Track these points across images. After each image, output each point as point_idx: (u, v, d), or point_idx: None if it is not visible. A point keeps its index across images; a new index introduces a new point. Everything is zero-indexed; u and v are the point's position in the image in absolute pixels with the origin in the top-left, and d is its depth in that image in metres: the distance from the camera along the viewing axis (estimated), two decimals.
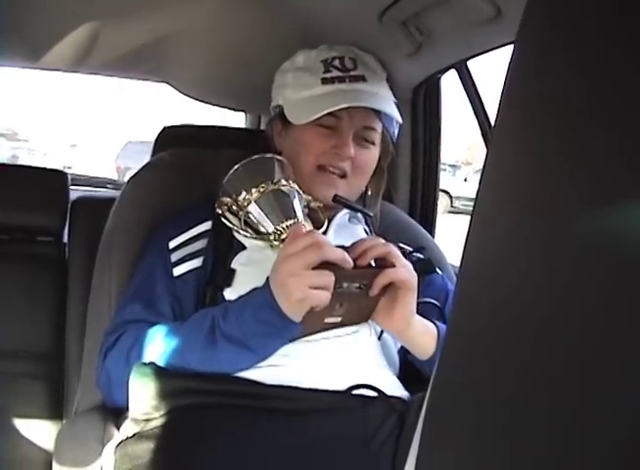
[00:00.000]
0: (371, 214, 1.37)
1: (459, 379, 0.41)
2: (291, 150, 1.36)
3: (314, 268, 1.01)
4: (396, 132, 1.42)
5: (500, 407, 0.37)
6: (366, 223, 1.42)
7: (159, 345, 1.10)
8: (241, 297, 1.11)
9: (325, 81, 1.33)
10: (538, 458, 0.34)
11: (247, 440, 1.02)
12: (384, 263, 1.09)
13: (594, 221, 0.32)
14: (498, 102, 0.39)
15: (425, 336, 1.15)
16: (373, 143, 1.35)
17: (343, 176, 1.31)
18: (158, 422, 1.03)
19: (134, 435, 1.05)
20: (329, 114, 1.27)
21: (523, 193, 0.37)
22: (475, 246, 0.40)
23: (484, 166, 0.40)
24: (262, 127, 2.72)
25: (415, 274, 1.12)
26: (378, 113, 1.32)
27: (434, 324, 1.17)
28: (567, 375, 0.33)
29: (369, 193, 1.45)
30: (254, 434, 1.03)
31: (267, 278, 1.06)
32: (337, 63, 1.36)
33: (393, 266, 1.09)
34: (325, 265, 1.02)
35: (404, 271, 1.09)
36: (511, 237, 0.37)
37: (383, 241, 1.12)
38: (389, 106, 1.34)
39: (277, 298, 1.03)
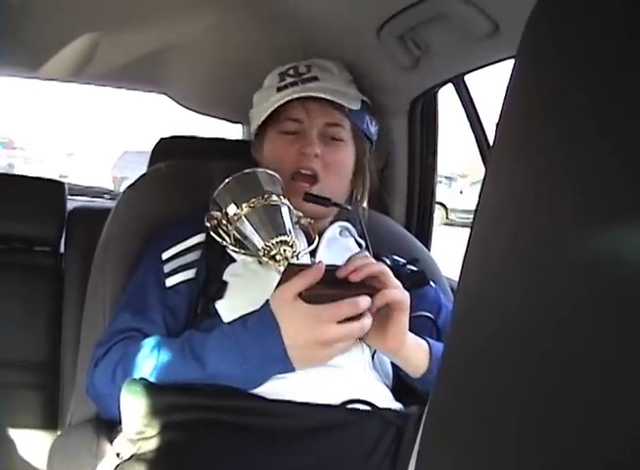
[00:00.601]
0: (348, 208, 1.35)
1: (459, 397, 0.41)
2: (265, 162, 1.37)
3: (305, 293, 1.01)
4: (374, 129, 1.42)
5: (503, 424, 0.37)
6: (360, 236, 1.42)
7: (147, 361, 1.09)
8: (238, 322, 1.08)
9: (279, 89, 1.36)
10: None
11: (244, 461, 1.01)
12: (375, 284, 1.07)
13: (594, 240, 0.32)
14: (498, 117, 0.39)
15: (418, 353, 1.14)
16: (341, 140, 1.36)
17: (315, 181, 1.31)
18: (153, 442, 1.02)
19: (131, 457, 1.03)
20: (290, 119, 1.32)
21: (522, 209, 0.37)
22: (474, 263, 0.40)
23: (484, 182, 0.40)
24: None
25: (407, 294, 1.10)
26: (341, 109, 1.33)
27: (427, 341, 1.16)
28: (571, 391, 0.33)
29: (355, 194, 1.44)
30: (252, 454, 1.01)
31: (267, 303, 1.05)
32: (291, 71, 1.39)
33: (385, 287, 1.07)
34: (315, 287, 1.01)
35: (398, 292, 1.08)
36: (511, 254, 0.37)
37: (374, 261, 1.10)
38: (344, 97, 1.35)
39: (295, 359, 1.03)
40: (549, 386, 0.34)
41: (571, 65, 0.35)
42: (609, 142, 0.32)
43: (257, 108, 1.42)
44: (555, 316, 0.34)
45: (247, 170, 1.18)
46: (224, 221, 1.16)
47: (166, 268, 1.24)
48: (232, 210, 1.14)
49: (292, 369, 1.03)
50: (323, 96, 1.31)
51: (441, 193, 12.66)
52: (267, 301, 1.05)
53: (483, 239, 0.40)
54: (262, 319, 1.03)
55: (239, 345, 1.04)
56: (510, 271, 0.37)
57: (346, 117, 1.35)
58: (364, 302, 1.02)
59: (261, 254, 1.12)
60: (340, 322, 1.01)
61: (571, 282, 0.33)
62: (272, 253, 1.11)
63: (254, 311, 1.06)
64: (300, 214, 1.24)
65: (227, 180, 1.16)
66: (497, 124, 0.39)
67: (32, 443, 1.71)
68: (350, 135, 1.38)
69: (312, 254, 1.27)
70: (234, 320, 1.08)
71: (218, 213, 1.17)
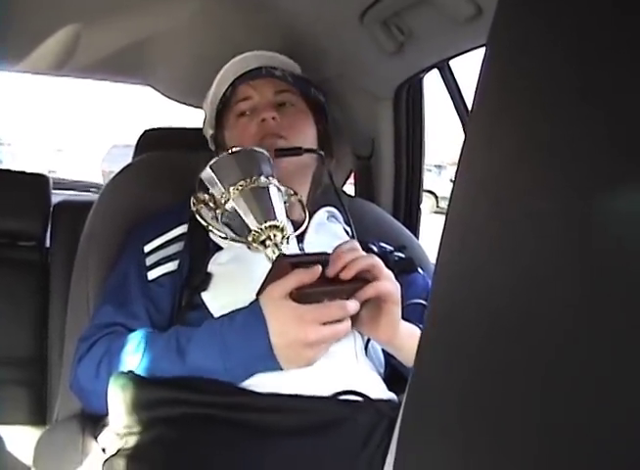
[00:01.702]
0: (321, 153, 1.34)
1: (438, 378, 0.40)
2: (234, 142, 1.37)
3: (295, 291, 1.00)
4: (322, 98, 1.46)
5: (482, 405, 0.36)
6: (346, 223, 1.40)
7: (131, 356, 1.08)
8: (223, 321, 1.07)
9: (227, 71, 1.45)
10: (525, 458, 0.33)
11: (232, 455, 0.99)
12: (367, 276, 1.05)
13: (576, 212, 0.31)
14: (473, 93, 0.38)
15: (411, 341, 1.13)
16: (292, 104, 1.39)
17: (281, 137, 1.31)
18: (140, 437, 1.00)
19: (118, 451, 1.01)
20: (240, 100, 1.38)
21: (497, 185, 0.36)
22: (450, 242, 0.40)
23: (459, 160, 0.39)
24: None
25: (398, 286, 1.09)
26: (284, 79, 1.39)
27: (420, 327, 1.15)
28: (553, 367, 0.32)
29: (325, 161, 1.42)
30: (241, 449, 1.00)
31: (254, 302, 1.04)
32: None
33: (377, 279, 1.06)
34: (308, 287, 1.00)
35: (389, 284, 1.07)
36: (487, 230, 0.36)
37: (364, 253, 1.08)
38: (283, 63, 1.44)
39: (280, 359, 1.01)
40: (530, 362, 0.33)
41: (550, 25, 0.34)
42: (599, 111, 0.31)
43: (209, 106, 1.50)
44: (536, 296, 0.33)
45: (234, 149, 1.15)
46: (211, 204, 1.13)
47: (148, 261, 1.23)
48: (219, 193, 1.11)
49: (278, 368, 1.02)
50: (260, 65, 1.39)
51: (431, 181, 12.69)
52: (257, 298, 1.04)
53: (459, 216, 0.39)
54: (250, 316, 1.02)
55: (224, 340, 1.03)
56: (486, 247, 0.36)
57: (292, 85, 1.39)
58: (353, 306, 1.01)
59: (250, 239, 1.09)
60: (324, 324, 1.00)
61: (553, 258, 0.32)
62: (261, 238, 1.08)
63: (244, 308, 1.05)
64: (291, 192, 1.23)
65: (214, 160, 1.13)
66: (473, 99, 0.38)
67: (21, 439, 1.70)
68: (302, 100, 1.41)
69: (300, 238, 1.26)
70: (223, 315, 1.07)
71: (205, 196, 1.14)
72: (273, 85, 1.38)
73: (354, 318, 1.05)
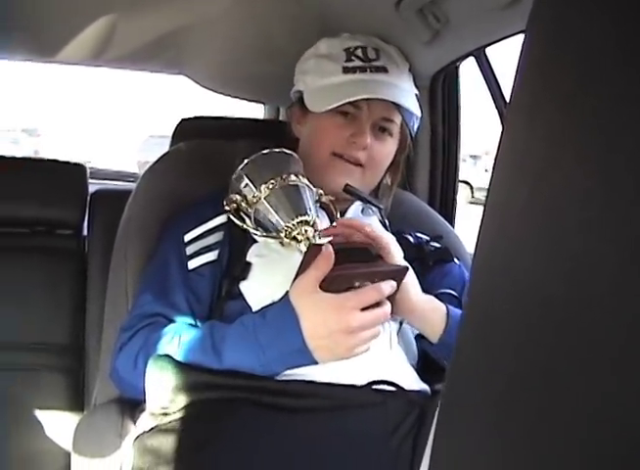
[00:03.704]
0: (381, 207, 1.34)
1: (476, 369, 0.40)
2: (308, 137, 1.36)
3: (325, 281, 1.01)
4: (416, 126, 1.39)
5: (521, 396, 0.36)
6: (380, 215, 1.40)
7: (168, 351, 1.08)
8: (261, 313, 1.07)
9: (346, 70, 1.31)
10: (561, 451, 0.33)
11: (267, 437, 1.01)
12: (372, 250, 1.10)
13: (623, 191, 0.31)
14: (513, 77, 0.37)
15: (434, 313, 1.14)
16: (390, 135, 1.34)
17: (359, 165, 1.30)
18: (176, 416, 1.02)
19: (151, 429, 1.03)
20: (348, 103, 1.27)
21: (539, 167, 0.35)
22: (489, 231, 0.39)
23: (498, 149, 0.39)
24: (281, 118, 2.72)
25: (392, 236, 1.14)
26: (398, 105, 1.29)
27: (446, 306, 1.16)
28: (592, 360, 0.31)
29: (383, 184, 1.44)
30: (273, 431, 1.01)
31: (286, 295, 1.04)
32: (359, 52, 1.34)
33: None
34: (337, 271, 1.01)
35: (378, 232, 1.12)
36: (525, 220, 0.36)
37: (360, 221, 1.14)
38: (410, 99, 1.32)
39: (319, 351, 1.02)
40: (569, 357, 0.32)
41: (594, 10, 0.33)
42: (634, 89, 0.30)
43: (315, 76, 1.36)
44: (577, 281, 0.32)
45: (264, 151, 1.16)
46: (244, 204, 1.16)
47: (189, 250, 1.24)
48: (250, 192, 1.14)
49: (313, 362, 1.03)
50: (396, 101, 1.28)
51: (467, 171, 12.58)
52: (287, 293, 1.04)
53: (497, 206, 0.38)
54: (282, 312, 1.03)
55: (258, 338, 1.03)
56: (524, 237, 0.36)
57: (400, 113, 1.32)
58: (388, 287, 1.02)
59: (282, 235, 1.11)
60: (363, 309, 1.00)
61: (592, 243, 0.31)
62: (293, 233, 1.10)
63: (275, 303, 1.06)
64: (321, 192, 1.23)
65: (245, 161, 1.15)
66: (512, 86, 0.37)
67: (59, 424, 1.72)
68: (398, 130, 1.36)
69: None
70: (255, 312, 1.09)
71: (237, 196, 1.16)
72: (386, 110, 1.30)
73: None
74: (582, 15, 0.33)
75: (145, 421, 1.07)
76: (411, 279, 1.12)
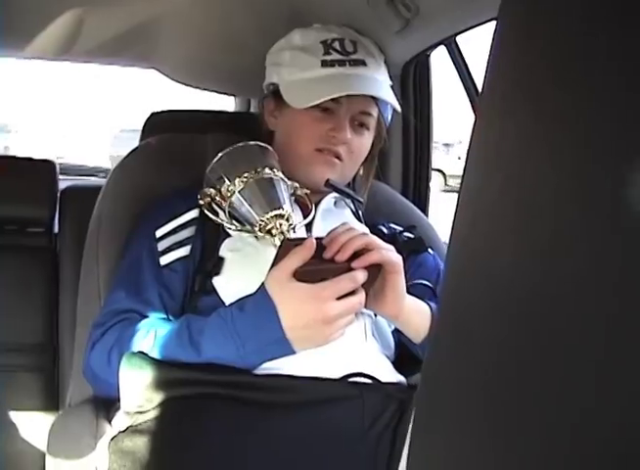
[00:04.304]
0: (362, 200, 1.34)
1: (452, 359, 0.40)
2: (285, 131, 1.34)
3: (299, 271, 1.00)
4: (389, 117, 1.40)
5: (496, 386, 0.35)
6: (356, 208, 1.40)
7: (142, 346, 1.08)
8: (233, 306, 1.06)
9: (325, 64, 1.29)
10: (539, 444, 0.32)
11: (243, 433, 1.01)
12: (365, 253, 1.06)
13: (594, 186, 0.30)
14: (485, 67, 0.36)
15: (418, 315, 1.14)
16: (368, 128, 1.33)
17: (338, 159, 1.29)
18: (151, 414, 1.01)
19: (127, 428, 1.02)
20: (332, 100, 1.25)
21: (511, 160, 0.35)
22: (463, 220, 0.39)
23: (471, 137, 0.38)
24: (252, 110, 2.71)
25: (400, 257, 1.09)
26: (376, 98, 1.29)
27: (428, 305, 1.16)
28: (574, 352, 0.31)
29: (358, 177, 1.44)
30: (251, 427, 1.01)
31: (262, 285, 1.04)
32: (336, 45, 1.32)
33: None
34: (309, 263, 1.00)
35: (390, 253, 1.07)
36: (500, 208, 0.35)
37: (359, 231, 1.08)
38: (389, 91, 1.31)
39: (296, 340, 1.01)
40: (545, 349, 0.32)
41: None
42: (617, 79, 0.30)
43: (292, 69, 1.33)
44: (549, 275, 0.32)
45: (239, 144, 1.15)
46: (218, 198, 1.15)
47: (160, 246, 1.23)
48: (225, 185, 1.13)
49: (291, 352, 1.03)
50: (378, 96, 1.28)
51: (440, 159, 12.63)
52: (263, 284, 1.03)
53: (471, 194, 0.38)
54: (259, 303, 1.02)
55: (236, 330, 1.02)
56: (498, 230, 0.35)
57: (377, 106, 1.32)
58: (361, 275, 1.02)
59: (257, 229, 1.10)
60: (339, 298, 1.00)
61: (564, 238, 0.31)
62: (268, 227, 1.09)
63: (251, 295, 1.05)
64: (297, 185, 1.22)
65: (219, 155, 1.14)
66: (484, 74, 0.37)
67: (34, 425, 1.71)
68: (375, 124, 1.35)
69: (309, 226, 1.25)
70: (231, 303, 1.07)
71: (212, 190, 1.15)
72: (364, 104, 1.29)
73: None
74: (554, 4, 0.33)
75: (120, 420, 1.05)
76: (401, 280, 1.10)
